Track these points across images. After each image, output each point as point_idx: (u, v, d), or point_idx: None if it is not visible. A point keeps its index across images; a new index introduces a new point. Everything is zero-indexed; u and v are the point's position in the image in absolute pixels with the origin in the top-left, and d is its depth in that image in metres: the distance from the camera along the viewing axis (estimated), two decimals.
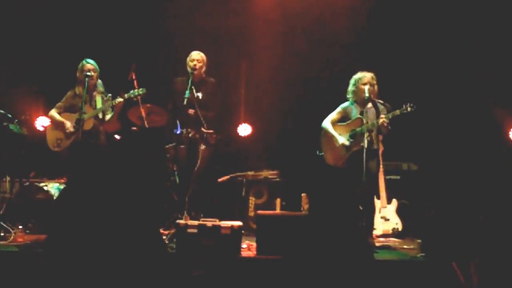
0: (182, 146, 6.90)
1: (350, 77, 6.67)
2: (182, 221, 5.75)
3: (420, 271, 5.36)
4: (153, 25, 8.42)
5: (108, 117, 6.77)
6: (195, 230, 5.63)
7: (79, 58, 6.84)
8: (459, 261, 4.98)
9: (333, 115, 6.73)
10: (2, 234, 6.27)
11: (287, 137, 8.47)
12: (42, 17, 8.28)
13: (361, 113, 6.41)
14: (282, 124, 8.56)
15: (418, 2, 8.15)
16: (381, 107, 6.48)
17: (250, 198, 7.67)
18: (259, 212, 6.41)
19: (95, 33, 8.21)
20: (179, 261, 5.44)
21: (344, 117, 6.69)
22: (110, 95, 6.82)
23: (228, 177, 7.88)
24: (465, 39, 8.04)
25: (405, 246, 6.64)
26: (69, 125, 6.74)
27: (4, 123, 6.80)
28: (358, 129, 6.43)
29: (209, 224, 5.67)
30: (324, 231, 5.40)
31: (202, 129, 6.77)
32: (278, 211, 7.39)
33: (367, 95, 6.37)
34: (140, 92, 6.62)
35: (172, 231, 6.21)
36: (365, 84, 6.45)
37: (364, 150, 6.13)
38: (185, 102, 6.59)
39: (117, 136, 7.15)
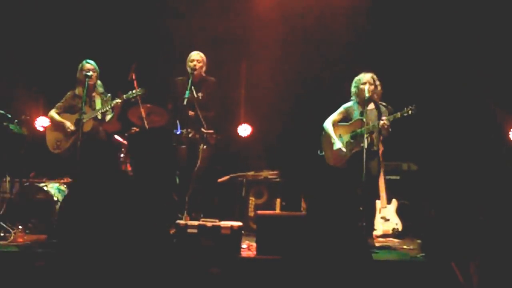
0: (183, 147, 6.91)
1: (350, 77, 6.69)
2: (182, 221, 5.75)
3: (420, 271, 5.36)
4: (153, 25, 8.42)
5: (108, 117, 6.78)
6: (195, 230, 5.63)
7: (79, 59, 6.86)
8: (459, 261, 4.98)
9: (335, 115, 6.74)
10: (2, 234, 6.26)
11: (287, 137, 8.46)
12: (42, 17, 8.28)
13: (361, 114, 6.41)
14: (282, 124, 8.55)
15: (418, 2, 8.15)
16: (383, 109, 6.49)
17: (250, 198, 7.66)
18: (259, 212, 6.41)
19: (95, 34, 8.21)
20: (179, 262, 5.44)
21: (346, 117, 6.70)
22: (109, 95, 6.83)
23: (228, 177, 7.88)
24: (464, 39, 8.04)
25: (405, 246, 6.63)
26: (69, 124, 6.74)
27: (4, 123, 6.79)
28: (359, 130, 6.44)
29: (209, 224, 5.67)
30: (323, 231, 5.40)
31: (202, 129, 6.77)
32: (278, 211, 7.40)
33: (367, 95, 6.38)
34: (139, 93, 6.62)
35: (172, 231, 6.21)
36: (364, 84, 6.46)
37: (364, 151, 6.14)
38: (185, 102, 6.60)
39: (118, 137, 7.13)
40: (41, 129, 7.88)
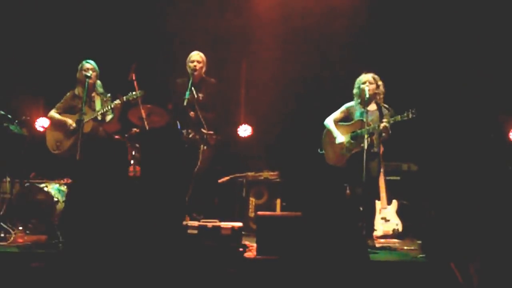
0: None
1: (351, 78, 6.69)
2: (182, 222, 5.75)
3: (421, 271, 5.36)
4: (153, 25, 8.42)
5: (108, 118, 6.77)
6: (195, 231, 5.63)
7: (80, 59, 6.84)
8: (459, 261, 4.98)
9: (337, 114, 6.73)
10: (2, 235, 6.27)
11: (288, 138, 8.47)
12: (42, 18, 8.28)
13: (362, 114, 6.40)
14: (282, 125, 8.55)
15: (418, 2, 8.15)
16: (385, 111, 6.48)
17: (250, 198, 7.67)
18: (259, 212, 6.40)
19: (95, 34, 8.21)
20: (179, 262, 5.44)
21: (347, 117, 6.69)
22: (109, 95, 6.82)
23: (228, 177, 7.88)
24: (464, 39, 8.04)
25: (405, 247, 6.63)
26: (70, 121, 6.72)
27: (5, 124, 6.79)
28: (359, 131, 6.43)
29: (209, 225, 5.67)
30: (322, 232, 5.40)
31: (202, 130, 6.77)
32: (278, 211, 7.40)
33: (367, 94, 6.37)
34: (138, 95, 6.62)
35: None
36: (364, 83, 6.46)
37: (364, 151, 6.14)
38: (185, 103, 6.60)
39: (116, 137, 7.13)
40: (41, 129, 7.89)
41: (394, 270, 5.40)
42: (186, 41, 7.90)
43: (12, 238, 6.21)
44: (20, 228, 6.58)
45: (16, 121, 6.95)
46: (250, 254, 5.77)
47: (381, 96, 6.56)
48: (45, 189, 6.89)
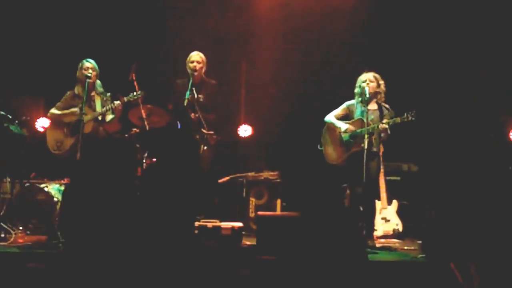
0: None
1: (351, 78, 6.69)
2: None
3: (421, 272, 5.36)
4: (153, 25, 8.42)
5: (108, 118, 6.77)
6: (195, 231, 5.63)
7: (80, 59, 6.84)
8: (459, 262, 4.98)
9: (337, 111, 6.72)
10: (2, 235, 6.27)
11: (288, 138, 8.47)
12: (42, 18, 8.28)
13: (363, 113, 6.40)
14: (283, 125, 8.55)
15: (418, 2, 8.15)
16: (385, 111, 6.48)
17: (251, 199, 7.66)
18: (259, 213, 6.42)
19: (95, 34, 8.21)
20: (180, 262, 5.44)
21: (347, 115, 6.68)
22: (109, 94, 6.83)
23: (228, 178, 7.87)
24: (464, 40, 8.04)
25: (405, 247, 6.63)
26: (74, 109, 6.70)
27: (5, 124, 6.79)
28: (359, 130, 6.43)
29: (209, 225, 5.67)
30: (321, 232, 5.40)
31: (203, 130, 6.77)
32: (278, 212, 7.40)
33: (367, 93, 6.37)
34: (139, 95, 6.62)
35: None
36: (364, 82, 6.46)
37: (365, 151, 6.14)
38: (185, 103, 6.61)
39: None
40: (42, 130, 7.88)
41: (394, 270, 5.40)
42: (186, 41, 7.90)
43: (12, 238, 6.21)
44: (21, 228, 6.57)
45: (16, 121, 6.94)
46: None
47: (382, 95, 6.56)
48: (46, 189, 6.89)
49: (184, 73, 6.94)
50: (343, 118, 6.69)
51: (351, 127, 6.51)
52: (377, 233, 7.07)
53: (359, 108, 6.54)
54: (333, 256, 5.11)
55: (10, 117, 6.87)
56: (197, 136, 6.82)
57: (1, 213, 6.58)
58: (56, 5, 8.25)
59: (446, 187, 7.53)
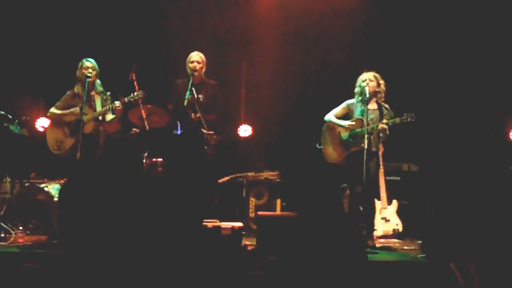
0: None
1: (351, 78, 6.69)
2: None
3: (421, 272, 5.36)
4: (153, 25, 8.43)
5: (109, 118, 6.77)
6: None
7: (80, 59, 6.84)
8: (459, 261, 4.98)
9: (337, 110, 6.72)
10: (2, 235, 6.26)
11: (288, 138, 8.47)
12: (42, 17, 8.28)
13: (362, 113, 6.40)
14: (283, 125, 8.55)
15: (418, 3, 8.15)
16: (385, 111, 6.48)
17: (251, 199, 7.66)
18: (259, 213, 6.43)
19: (95, 34, 8.21)
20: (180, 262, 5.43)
21: (347, 114, 6.68)
22: (109, 93, 6.83)
23: (228, 178, 7.87)
24: (464, 40, 8.05)
25: (405, 247, 6.63)
26: (73, 109, 6.71)
27: (5, 124, 6.79)
28: (358, 130, 6.43)
29: (209, 225, 5.66)
30: (321, 232, 5.39)
31: (203, 130, 6.77)
32: (278, 212, 7.40)
33: (367, 92, 6.38)
34: (140, 95, 6.62)
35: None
36: (364, 81, 6.46)
37: (365, 150, 6.14)
38: (185, 103, 6.61)
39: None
40: (42, 129, 7.88)
41: (394, 270, 5.40)
42: (186, 41, 7.90)
43: (12, 238, 6.21)
44: (21, 228, 6.57)
45: (16, 121, 6.94)
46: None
47: (382, 95, 6.55)
48: (45, 189, 6.88)
49: (184, 73, 6.94)
50: (342, 117, 6.69)
51: (351, 124, 6.51)
52: (377, 233, 7.07)
53: (359, 107, 6.54)
54: (333, 256, 5.11)
55: (10, 117, 6.87)
56: None
57: (1, 213, 6.58)
58: (56, 5, 8.24)
59: (446, 187, 7.53)
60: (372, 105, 6.51)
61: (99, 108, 6.76)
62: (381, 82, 6.53)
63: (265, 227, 5.78)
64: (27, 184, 7.02)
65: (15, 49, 8.18)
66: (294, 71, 8.51)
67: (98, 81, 6.86)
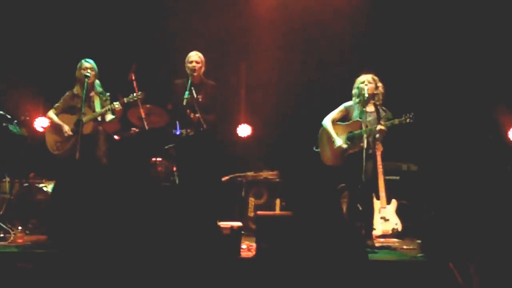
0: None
1: (350, 79, 6.68)
2: None
3: (420, 271, 5.36)
4: (153, 25, 8.42)
5: (108, 118, 6.77)
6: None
7: (79, 59, 6.85)
8: (458, 261, 4.98)
9: (335, 113, 6.72)
10: (1, 235, 6.26)
11: (287, 138, 8.47)
12: (42, 17, 8.28)
13: (361, 114, 6.40)
14: (282, 125, 8.55)
15: (418, 4, 8.16)
16: (382, 113, 6.48)
17: (250, 198, 7.66)
18: (258, 212, 6.42)
19: (95, 34, 8.21)
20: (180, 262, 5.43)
21: (345, 116, 6.68)
22: (108, 94, 6.83)
23: (228, 177, 7.87)
24: (463, 40, 8.05)
25: (404, 247, 6.63)
26: (67, 128, 6.73)
27: (4, 124, 6.79)
28: (357, 132, 6.44)
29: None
30: (320, 232, 5.39)
31: (202, 130, 6.76)
32: (277, 211, 7.40)
33: (366, 94, 6.38)
34: (139, 96, 6.63)
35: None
36: (363, 83, 6.46)
37: (364, 150, 6.15)
38: (184, 103, 6.61)
39: (116, 137, 7.14)
40: (41, 129, 7.88)
41: (393, 270, 5.40)
42: (186, 41, 7.89)
43: (11, 238, 6.21)
44: (20, 228, 6.57)
45: (16, 121, 6.95)
46: (249, 253, 5.78)
47: (380, 97, 6.55)
48: (45, 189, 6.89)
49: (183, 73, 6.94)
50: (341, 120, 6.70)
51: (344, 145, 6.52)
52: (376, 233, 7.07)
53: (357, 109, 6.55)
54: (333, 255, 5.11)
55: (9, 116, 6.87)
56: None
57: (1, 213, 6.59)
58: (56, 5, 8.24)
59: (445, 187, 7.53)
60: (370, 108, 6.51)
61: (98, 108, 6.76)
62: (379, 84, 6.53)
63: (264, 226, 5.77)
64: (26, 184, 7.03)
65: (15, 49, 8.17)
66: (294, 72, 8.51)
67: (97, 82, 6.87)
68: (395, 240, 7.09)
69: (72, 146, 6.64)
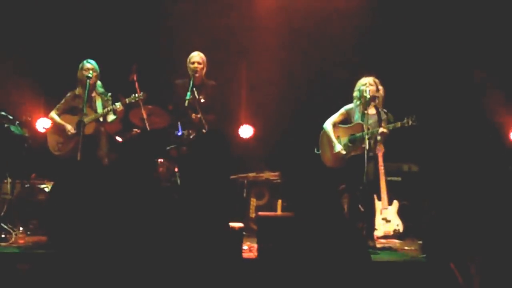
0: (183, 148, 6.90)
1: (352, 79, 6.68)
2: None
3: (421, 272, 5.35)
4: (154, 25, 8.42)
5: (110, 118, 6.78)
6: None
7: (81, 59, 6.85)
8: (459, 261, 4.98)
9: (336, 116, 6.73)
10: (3, 235, 6.27)
11: (289, 139, 8.46)
12: (43, 17, 8.28)
13: (362, 117, 6.40)
14: (284, 126, 8.54)
15: (421, 4, 8.15)
16: (383, 116, 6.48)
17: (251, 199, 7.66)
18: (260, 213, 6.41)
19: (96, 34, 8.21)
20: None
21: (346, 119, 6.69)
22: (110, 94, 6.84)
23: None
24: (464, 41, 8.04)
25: (406, 247, 6.63)
26: (70, 127, 6.75)
27: (5, 125, 6.80)
28: (358, 134, 6.45)
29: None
30: (321, 232, 5.39)
31: (203, 131, 6.76)
32: (279, 212, 7.39)
33: (368, 95, 6.38)
34: (141, 97, 6.63)
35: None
36: (365, 85, 6.46)
37: (365, 152, 6.15)
38: (186, 104, 6.61)
39: (118, 138, 7.14)
40: (42, 130, 7.88)
41: (394, 271, 5.40)
42: (187, 41, 7.89)
43: (12, 239, 6.22)
44: (21, 228, 6.58)
45: (17, 121, 6.96)
46: (251, 254, 5.78)
47: (380, 100, 6.56)
48: (46, 190, 6.89)
49: (184, 73, 6.94)
50: (342, 122, 6.71)
51: (342, 151, 6.52)
52: (377, 233, 7.06)
53: (358, 112, 6.55)
54: (335, 256, 5.11)
55: (11, 117, 6.88)
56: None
57: (2, 214, 6.59)
58: (57, 6, 8.24)
59: (446, 188, 7.53)
60: (371, 110, 6.51)
61: (100, 109, 6.78)
62: (380, 87, 6.54)
63: (266, 227, 5.77)
64: (27, 184, 7.03)
65: (16, 49, 8.17)
66: (295, 72, 8.51)
67: (99, 82, 6.88)
68: (397, 241, 7.08)
69: (73, 146, 6.65)
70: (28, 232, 6.65)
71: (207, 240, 5.21)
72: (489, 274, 4.81)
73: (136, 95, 6.64)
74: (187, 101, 6.63)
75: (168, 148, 7.05)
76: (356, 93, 6.58)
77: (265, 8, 8.42)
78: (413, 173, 7.83)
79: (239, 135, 8.60)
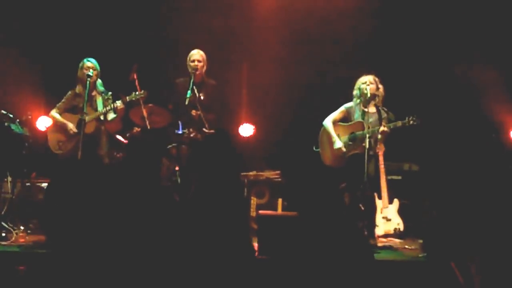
0: (184, 147, 6.90)
1: (353, 79, 6.69)
2: None
3: (422, 271, 5.35)
4: (155, 25, 8.43)
5: (110, 117, 6.78)
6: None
7: (81, 58, 6.85)
8: (460, 261, 4.98)
9: (336, 114, 6.73)
10: (3, 234, 6.27)
11: (289, 138, 8.46)
12: (43, 16, 8.28)
13: (362, 115, 6.40)
14: (284, 125, 8.54)
15: (421, 4, 8.15)
16: (384, 114, 6.48)
17: (252, 198, 7.66)
18: (260, 212, 6.41)
19: (96, 33, 8.21)
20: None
21: (346, 117, 6.69)
22: (110, 93, 6.84)
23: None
24: (465, 41, 8.04)
25: (406, 246, 6.63)
26: (71, 126, 6.76)
27: (6, 123, 6.80)
28: (359, 133, 6.45)
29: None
30: (323, 232, 5.39)
31: (204, 129, 6.77)
32: (279, 211, 7.39)
33: (368, 94, 6.38)
34: (141, 95, 6.63)
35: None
36: (365, 83, 6.46)
37: (366, 151, 6.15)
38: (186, 102, 6.60)
39: (120, 137, 7.13)
40: (43, 129, 7.87)
41: (395, 270, 5.40)
42: (187, 40, 7.90)
43: (13, 238, 6.22)
44: (21, 228, 6.58)
45: (18, 120, 6.96)
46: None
47: (380, 98, 6.56)
48: None
49: (185, 72, 6.94)
50: (341, 121, 6.71)
51: (343, 148, 6.51)
52: (378, 232, 7.06)
53: (358, 110, 6.55)
54: (337, 255, 5.11)
55: (11, 116, 6.88)
56: (199, 136, 6.82)
57: (2, 213, 6.59)
58: (57, 4, 8.24)
59: (447, 187, 7.53)
60: (371, 109, 6.52)
61: (100, 108, 6.78)
62: (380, 86, 6.54)
63: (266, 226, 5.78)
64: (28, 183, 7.03)
65: (17, 48, 8.17)
66: (297, 71, 8.51)
67: (99, 81, 6.88)
68: (397, 240, 7.07)
69: (74, 145, 6.65)
70: (29, 231, 6.65)
71: (218, 239, 5.22)
72: (489, 274, 4.81)
73: (137, 93, 6.65)
74: (187, 99, 6.63)
75: (168, 147, 7.05)
76: (356, 92, 6.59)
77: (265, 8, 8.41)
78: (414, 172, 7.83)
79: (239, 134, 8.60)
